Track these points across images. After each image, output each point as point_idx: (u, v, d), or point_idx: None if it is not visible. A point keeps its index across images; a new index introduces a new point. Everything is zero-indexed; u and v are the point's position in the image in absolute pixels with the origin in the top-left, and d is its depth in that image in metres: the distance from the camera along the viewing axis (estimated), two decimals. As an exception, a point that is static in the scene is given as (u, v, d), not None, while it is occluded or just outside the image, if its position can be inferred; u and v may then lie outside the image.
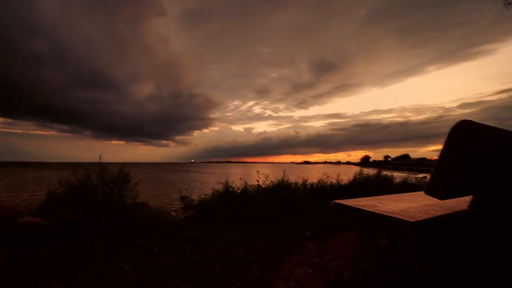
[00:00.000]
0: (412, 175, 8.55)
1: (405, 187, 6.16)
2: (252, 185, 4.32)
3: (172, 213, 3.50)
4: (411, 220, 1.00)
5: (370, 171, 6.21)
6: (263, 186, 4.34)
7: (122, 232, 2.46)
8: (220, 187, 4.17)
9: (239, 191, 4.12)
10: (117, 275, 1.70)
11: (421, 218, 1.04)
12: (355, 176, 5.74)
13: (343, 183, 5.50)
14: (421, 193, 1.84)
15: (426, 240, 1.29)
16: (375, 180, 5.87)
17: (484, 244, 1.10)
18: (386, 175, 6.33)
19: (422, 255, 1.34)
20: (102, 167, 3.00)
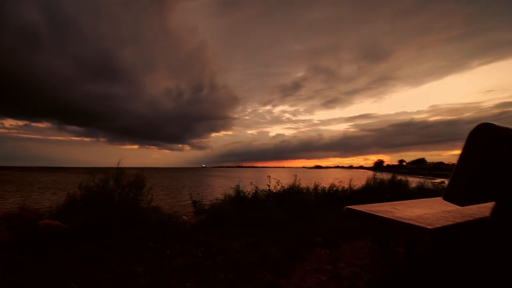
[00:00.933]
0: (429, 180, 8.26)
1: (422, 192, 5.96)
2: (263, 189, 4.31)
3: (184, 217, 3.54)
4: (429, 227, 0.97)
5: (383, 176, 6.06)
6: (274, 191, 4.32)
7: (136, 236, 2.51)
8: (231, 192, 4.19)
9: (250, 195, 4.12)
10: (131, 278, 1.74)
11: (439, 225, 1.00)
12: (368, 181, 5.61)
13: (355, 188, 5.38)
14: (439, 199, 1.77)
15: (445, 248, 1.24)
16: (389, 185, 5.71)
17: (508, 253, 1.04)
18: (400, 180, 6.15)
19: (441, 264, 1.28)
20: (119, 172, 3.10)
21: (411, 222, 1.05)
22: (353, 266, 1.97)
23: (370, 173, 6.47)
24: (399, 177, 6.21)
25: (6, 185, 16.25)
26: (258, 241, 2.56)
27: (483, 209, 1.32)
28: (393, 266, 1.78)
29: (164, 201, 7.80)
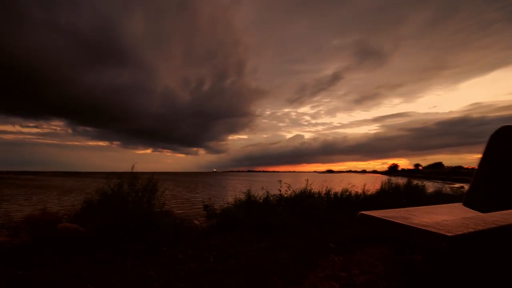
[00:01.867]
0: (447, 185, 7.93)
1: (439, 197, 5.72)
2: (274, 194, 4.28)
3: (196, 221, 3.57)
4: (449, 234, 0.93)
5: (399, 180, 5.87)
6: (286, 195, 4.28)
7: (149, 239, 2.55)
8: (242, 196, 4.18)
9: (261, 200, 4.11)
10: (145, 281, 1.77)
11: (460, 232, 0.95)
12: (382, 186, 5.46)
13: (369, 193, 5.25)
14: (458, 204, 1.70)
15: (465, 257, 1.18)
16: (405, 190, 5.53)
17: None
18: (417, 184, 5.94)
19: (461, 273, 1.22)
20: (132, 177, 3.18)
21: (429, 229, 1.01)
22: (368, 273, 1.91)
23: (384, 177, 6.29)
24: (415, 182, 6.00)
25: (27, 188, 17.06)
26: (270, 246, 2.53)
27: (508, 216, 1.25)
28: (410, 274, 1.72)
29: (175, 206, 7.92)
